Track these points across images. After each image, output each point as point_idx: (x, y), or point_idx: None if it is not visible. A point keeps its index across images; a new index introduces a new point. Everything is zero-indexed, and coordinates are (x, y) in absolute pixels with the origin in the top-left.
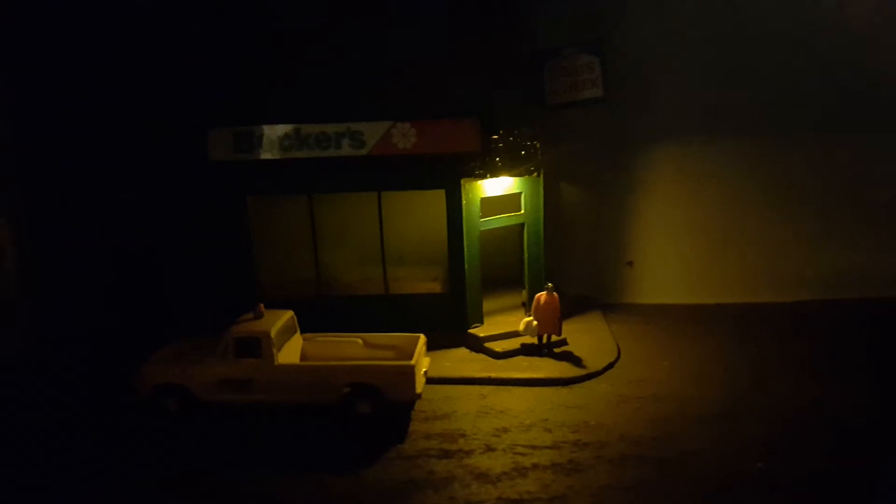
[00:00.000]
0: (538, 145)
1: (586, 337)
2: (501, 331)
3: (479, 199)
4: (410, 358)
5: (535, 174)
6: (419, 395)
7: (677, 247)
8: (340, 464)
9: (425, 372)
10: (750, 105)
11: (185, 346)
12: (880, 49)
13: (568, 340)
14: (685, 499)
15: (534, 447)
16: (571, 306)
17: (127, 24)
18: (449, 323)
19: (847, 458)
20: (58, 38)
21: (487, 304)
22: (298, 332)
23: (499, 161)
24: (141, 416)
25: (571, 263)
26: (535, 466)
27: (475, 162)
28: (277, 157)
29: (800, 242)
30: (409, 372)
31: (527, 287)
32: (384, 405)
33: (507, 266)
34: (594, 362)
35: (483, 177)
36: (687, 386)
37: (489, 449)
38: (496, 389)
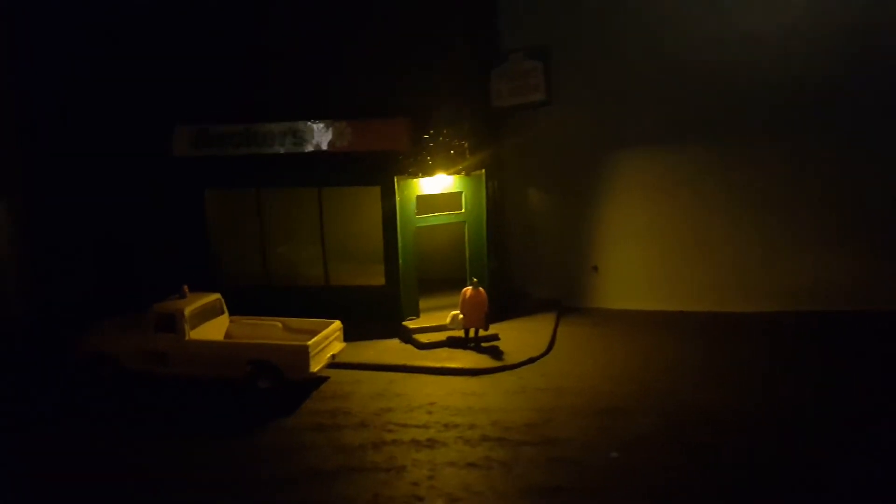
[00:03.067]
0: (466, 145)
1: (524, 334)
2: (433, 324)
3: (414, 197)
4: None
5: (469, 173)
6: (313, 374)
7: (643, 253)
8: (223, 430)
9: (333, 355)
10: (718, 110)
11: (121, 320)
12: (854, 51)
13: (501, 336)
14: (516, 478)
15: (404, 426)
16: (533, 308)
17: (103, 29)
18: (385, 315)
19: (704, 456)
20: (55, 39)
21: (431, 300)
22: (226, 314)
23: (430, 160)
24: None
25: (538, 267)
26: (393, 442)
27: (408, 160)
28: (230, 153)
29: (768, 251)
30: (304, 351)
31: (473, 280)
32: (284, 382)
33: (460, 264)
34: (515, 357)
35: (415, 175)
36: (597, 383)
37: (362, 425)
38: (406, 377)
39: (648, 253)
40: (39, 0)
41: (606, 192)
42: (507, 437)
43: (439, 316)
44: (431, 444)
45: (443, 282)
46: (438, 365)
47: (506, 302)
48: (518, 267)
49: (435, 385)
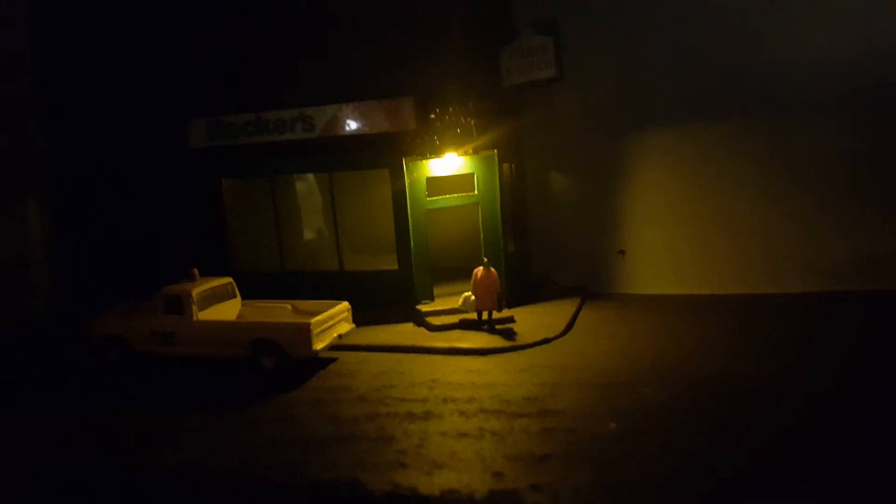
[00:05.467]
0: (473, 123)
1: (543, 317)
2: (447, 307)
3: (424, 179)
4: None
5: (479, 153)
6: (316, 353)
7: (670, 236)
8: (220, 403)
9: (340, 335)
10: (744, 85)
11: (131, 304)
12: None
13: (517, 319)
14: (506, 446)
15: (403, 400)
16: (557, 295)
17: (122, 30)
18: (399, 299)
19: (707, 427)
20: (76, 43)
21: (447, 286)
22: (238, 298)
23: (437, 139)
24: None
25: (563, 254)
26: (388, 415)
27: (416, 141)
28: (244, 142)
29: (800, 231)
30: (305, 329)
31: (484, 259)
32: (288, 361)
33: (477, 253)
34: (528, 338)
35: (424, 156)
36: (607, 360)
37: (360, 399)
38: (414, 357)
39: (676, 235)
40: (61, 3)
41: (630, 172)
42: (505, 409)
43: (454, 300)
44: (427, 416)
45: (460, 270)
46: (447, 345)
47: (526, 287)
48: (541, 254)
49: (442, 364)
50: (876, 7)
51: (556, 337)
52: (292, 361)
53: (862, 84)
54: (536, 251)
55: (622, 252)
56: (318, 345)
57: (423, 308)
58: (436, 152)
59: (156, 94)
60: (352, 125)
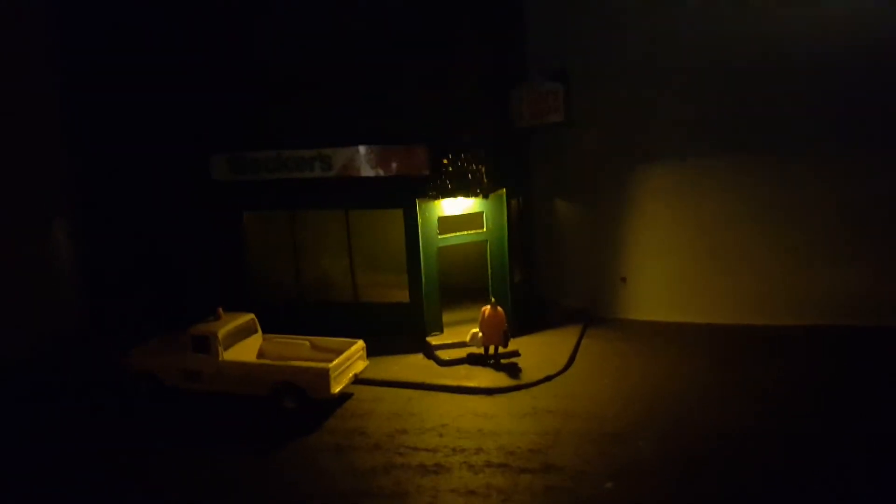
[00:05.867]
0: (483, 169)
1: (545, 349)
2: (455, 340)
3: (436, 218)
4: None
5: (487, 196)
6: (335, 395)
7: (668, 265)
8: (245, 448)
9: (356, 374)
10: (739, 126)
11: (162, 340)
12: (882, 66)
13: (521, 352)
14: None
15: (415, 449)
16: (560, 320)
17: (147, 60)
18: (410, 330)
19: (697, 485)
20: (102, 68)
21: (455, 315)
22: (259, 333)
23: (449, 184)
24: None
25: (567, 277)
26: (402, 465)
27: (428, 184)
28: (264, 178)
29: (791, 265)
30: (325, 374)
31: (492, 300)
32: (308, 402)
33: (485, 272)
34: (532, 375)
35: (436, 198)
36: (606, 405)
37: (376, 448)
38: (424, 394)
39: (674, 265)
40: (87, 33)
41: (632, 204)
42: (510, 462)
43: (462, 331)
44: (437, 469)
45: (468, 290)
46: (455, 384)
47: (532, 314)
48: (547, 277)
49: (450, 404)
50: (876, 51)
51: (558, 373)
52: (312, 401)
53: (857, 127)
54: (544, 275)
55: (624, 279)
56: (336, 388)
57: (433, 341)
58: (447, 195)
59: (180, 126)
60: (367, 167)
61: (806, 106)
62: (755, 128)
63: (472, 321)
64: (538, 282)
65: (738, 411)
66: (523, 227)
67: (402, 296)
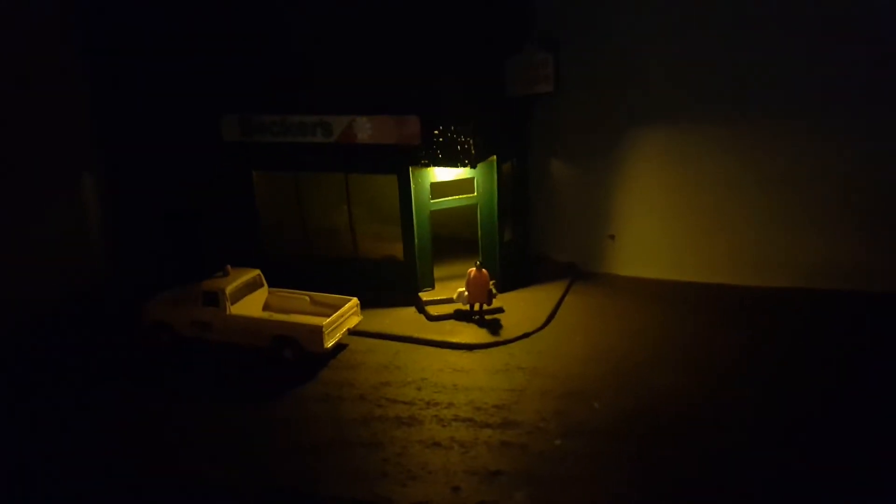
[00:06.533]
0: (471, 141)
1: (528, 306)
2: (444, 296)
3: (428, 184)
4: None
5: (475, 166)
6: (328, 350)
7: (656, 224)
8: (242, 397)
9: (349, 329)
10: (739, 89)
11: (175, 292)
12: (879, 39)
13: (506, 308)
14: (469, 459)
15: (394, 401)
16: (549, 275)
17: (165, 24)
18: (403, 286)
19: (640, 447)
20: (124, 31)
21: (447, 270)
22: (265, 287)
23: (439, 154)
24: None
25: (560, 234)
26: (380, 417)
27: (421, 152)
28: (271, 140)
29: (781, 228)
30: (319, 330)
31: (480, 258)
32: (305, 353)
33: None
34: (510, 332)
35: (427, 166)
36: (574, 363)
37: (360, 399)
38: (412, 347)
39: (661, 224)
40: (111, 6)
41: (625, 165)
42: (475, 417)
43: (452, 287)
44: (410, 421)
45: (462, 242)
46: (440, 339)
47: (521, 271)
48: (540, 233)
49: (433, 358)
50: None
51: (536, 331)
52: (308, 353)
53: (856, 99)
54: (538, 230)
55: (612, 236)
56: (329, 342)
57: (425, 296)
58: (437, 164)
59: (195, 86)
60: (364, 135)
61: (798, 72)
62: (745, 93)
63: (462, 276)
64: (532, 239)
65: (705, 375)
66: (517, 188)
67: (398, 254)
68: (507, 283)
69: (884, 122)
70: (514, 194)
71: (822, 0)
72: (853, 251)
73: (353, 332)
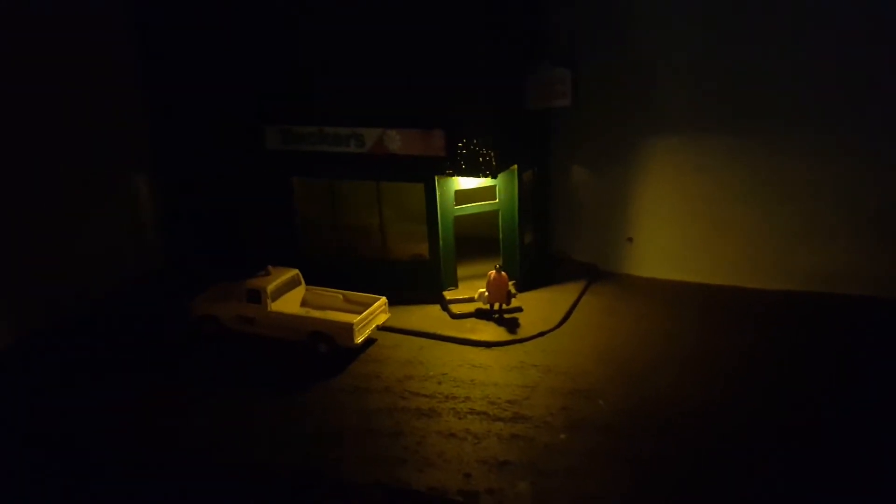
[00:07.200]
0: (493, 154)
1: (546, 305)
2: (467, 295)
3: (453, 191)
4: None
5: (493, 177)
6: (358, 345)
7: (671, 229)
8: (278, 386)
9: (378, 326)
10: (750, 99)
11: (221, 288)
12: (883, 42)
13: (525, 308)
14: (480, 450)
15: (416, 394)
16: (568, 275)
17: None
18: (429, 285)
19: (638, 447)
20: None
21: (470, 270)
22: (303, 285)
23: (463, 164)
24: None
25: (580, 235)
26: (403, 408)
27: (445, 163)
28: (308, 149)
29: (783, 235)
30: (349, 328)
31: (500, 261)
32: (337, 347)
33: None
34: (527, 331)
35: (451, 176)
36: (585, 362)
37: (386, 391)
38: (435, 343)
39: (676, 229)
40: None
41: (641, 172)
42: (489, 411)
43: (474, 286)
44: (430, 413)
45: (488, 241)
46: (461, 336)
47: (541, 272)
48: (562, 235)
49: (454, 354)
50: (877, 26)
51: (551, 330)
52: (340, 347)
53: (857, 104)
54: (559, 232)
55: (630, 239)
56: (359, 338)
57: (448, 295)
58: (461, 175)
59: (241, 98)
60: (394, 146)
61: (804, 86)
62: (756, 103)
63: (484, 276)
64: (553, 240)
65: (710, 375)
66: (538, 193)
67: (424, 251)
68: (527, 283)
69: (893, 131)
70: (534, 199)
71: (837, 12)
72: (867, 257)
73: (380, 329)
